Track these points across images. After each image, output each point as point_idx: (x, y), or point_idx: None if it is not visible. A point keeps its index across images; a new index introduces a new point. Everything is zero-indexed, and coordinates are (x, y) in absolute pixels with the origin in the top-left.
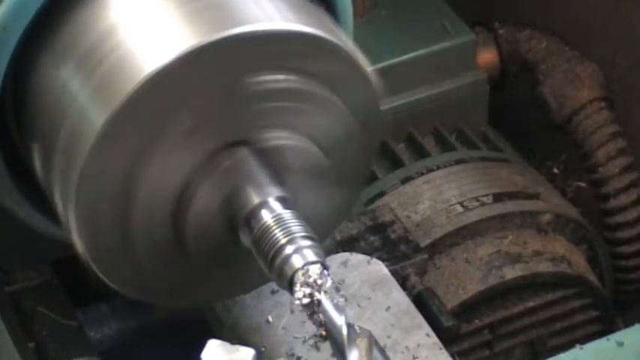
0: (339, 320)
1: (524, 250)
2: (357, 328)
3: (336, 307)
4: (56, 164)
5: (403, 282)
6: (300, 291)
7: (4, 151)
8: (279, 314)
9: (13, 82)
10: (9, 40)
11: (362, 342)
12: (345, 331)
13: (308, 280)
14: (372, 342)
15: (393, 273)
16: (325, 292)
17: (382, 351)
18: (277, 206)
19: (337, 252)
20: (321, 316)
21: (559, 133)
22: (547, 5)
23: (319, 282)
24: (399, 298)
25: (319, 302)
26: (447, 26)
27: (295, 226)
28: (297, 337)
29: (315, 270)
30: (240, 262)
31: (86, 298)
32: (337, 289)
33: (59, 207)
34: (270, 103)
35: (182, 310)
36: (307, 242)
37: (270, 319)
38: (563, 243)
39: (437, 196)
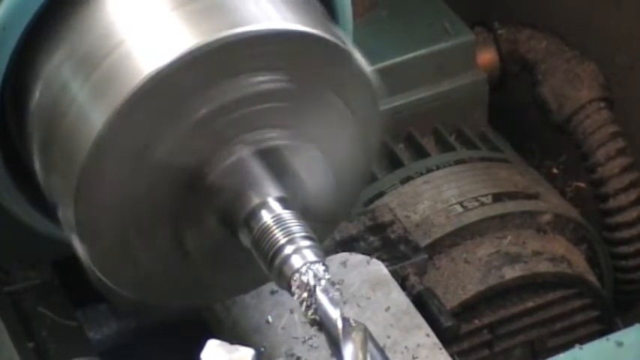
0: (334, 314)
1: (523, 250)
2: (352, 321)
3: (332, 300)
4: (56, 165)
5: (403, 282)
6: (298, 289)
7: (4, 151)
8: (279, 314)
9: (13, 82)
10: (9, 40)
11: (357, 335)
12: (340, 324)
13: (306, 278)
14: (367, 335)
15: (393, 273)
16: (321, 286)
17: (382, 351)
18: (277, 206)
19: (337, 252)
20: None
21: (559, 133)
22: (547, 5)
23: (316, 278)
24: (399, 298)
25: (315, 297)
26: (447, 26)
27: (295, 227)
28: (296, 337)
29: (314, 269)
30: (239, 262)
31: (86, 298)
32: (332, 284)
33: (59, 207)
34: (269, 103)
35: (182, 310)
36: (307, 242)
37: (270, 319)
38: (562, 243)
39: (436, 196)
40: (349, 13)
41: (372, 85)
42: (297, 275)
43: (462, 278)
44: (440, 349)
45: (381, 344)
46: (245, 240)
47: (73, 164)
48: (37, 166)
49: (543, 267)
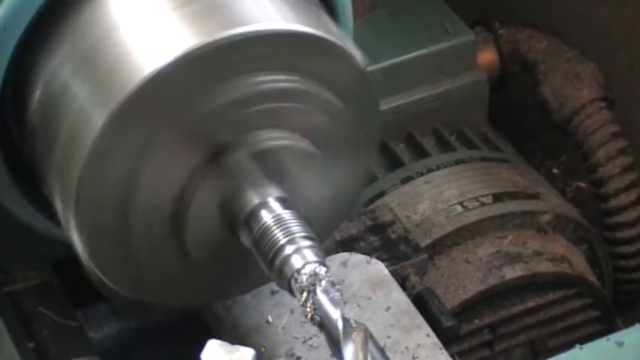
0: (335, 314)
1: (524, 250)
2: (352, 322)
3: (332, 301)
4: (56, 164)
5: (403, 282)
6: (299, 289)
7: (4, 151)
8: (279, 314)
9: (13, 82)
10: (9, 40)
11: (357, 336)
12: (340, 325)
13: (306, 278)
14: (368, 336)
15: (393, 273)
16: (321, 286)
17: (382, 351)
18: (277, 206)
19: (337, 252)
20: (316, 309)
21: (559, 133)
22: (547, 5)
23: (316, 278)
24: (399, 298)
25: (315, 297)
26: (447, 26)
27: (295, 227)
28: (296, 337)
29: (314, 269)
30: (240, 262)
31: (86, 298)
32: (333, 284)
33: (59, 207)
34: (269, 103)
35: (182, 310)
36: (307, 242)
37: (270, 319)
38: (563, 243)
39: (437, 196)
40: (349, 13)
41: (371, 86)
42: (297, 275)
43: (463, 278)
44: (440, 349)
45: (382, 344)
46: (245, 240)
47: (73, 164)
48: (38, 166)
49: (544, 267)
